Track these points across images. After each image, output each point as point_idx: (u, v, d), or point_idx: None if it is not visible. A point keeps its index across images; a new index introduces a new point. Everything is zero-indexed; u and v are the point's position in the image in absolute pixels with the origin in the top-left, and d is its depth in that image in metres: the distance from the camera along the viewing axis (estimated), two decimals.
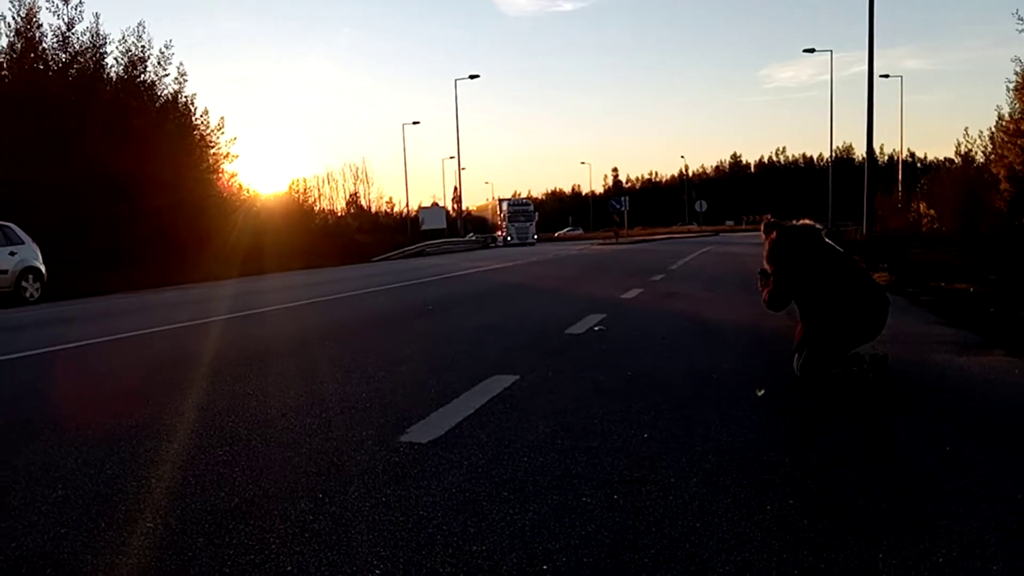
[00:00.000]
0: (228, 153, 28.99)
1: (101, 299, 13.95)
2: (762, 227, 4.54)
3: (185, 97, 27.12)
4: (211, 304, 11.29)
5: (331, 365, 5.30)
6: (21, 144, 20.24)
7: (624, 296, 9.73)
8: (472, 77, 45.32)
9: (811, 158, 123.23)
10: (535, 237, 54.33)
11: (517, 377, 4.50)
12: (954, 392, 4.01)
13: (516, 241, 50.94)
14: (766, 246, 4.41)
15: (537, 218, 57.24)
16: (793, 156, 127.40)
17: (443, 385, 4.36)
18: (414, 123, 65.75)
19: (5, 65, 22.71)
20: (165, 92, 26.56)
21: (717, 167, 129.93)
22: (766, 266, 4.43)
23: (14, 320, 10.45)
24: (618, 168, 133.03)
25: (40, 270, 14.32)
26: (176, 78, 26.77)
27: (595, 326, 6.75)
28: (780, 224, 4.46)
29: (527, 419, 3.56)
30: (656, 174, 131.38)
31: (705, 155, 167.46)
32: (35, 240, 14.63)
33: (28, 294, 13.85)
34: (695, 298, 9.52)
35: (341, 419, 3.69)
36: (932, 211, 34.32)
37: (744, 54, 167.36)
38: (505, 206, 55.61)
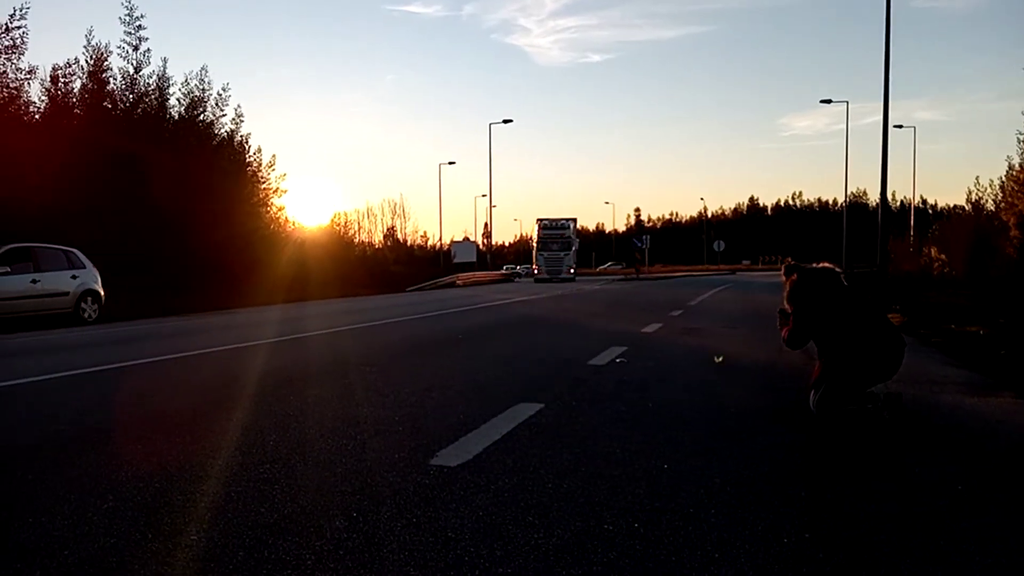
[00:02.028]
0: (277, 188, 29.54)
1: (155, 321, 14.15)
2: (783, 269, 4.49)
3: (241, 136, 27.79)
4: (257, 328, 11.40)
5: (366, 389, 5.31)
6: (89, 177, 20.77)
7: (644, 330, 9.65)
8: (505, 121, 45.78)
9: (826, 202, 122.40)
10: (573, 271, 43.24)
11: (542, 406, 4.47)
12: (966, 432, 3.90)
13: (546, 276, 41.16)
14: (786, 287, 4.36)
15: (577, 245, 45.65)
16: (808, 200, 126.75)
17: (472, 411, 4.33)
18: (450, 163, 66.69)
19: (78, 104, 23.41)
20: (222, 131, 27.25)
21: (735, 209, 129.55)
22: (786, 306, 4.38)
23: (72, 339, 10.62)
24: (640, 208, 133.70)
25: (99, 293, 14.58)
26: (233, 119, 27.50)
27: (617, 358, 6.71)
28: (800, 266, 4.41)
29: (552, 447, 3.52)
30: (676, 214, 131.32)
31: (724, 197, 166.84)
32: (96, 265, 14.92)
33: (87, 315, 14.09)
34: (714, 334, 9.41)
35: (375, 441, 3.68)
36: (943, 255, 33.73)
37: (763, 103, 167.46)
38: (537, 229, 44.27)
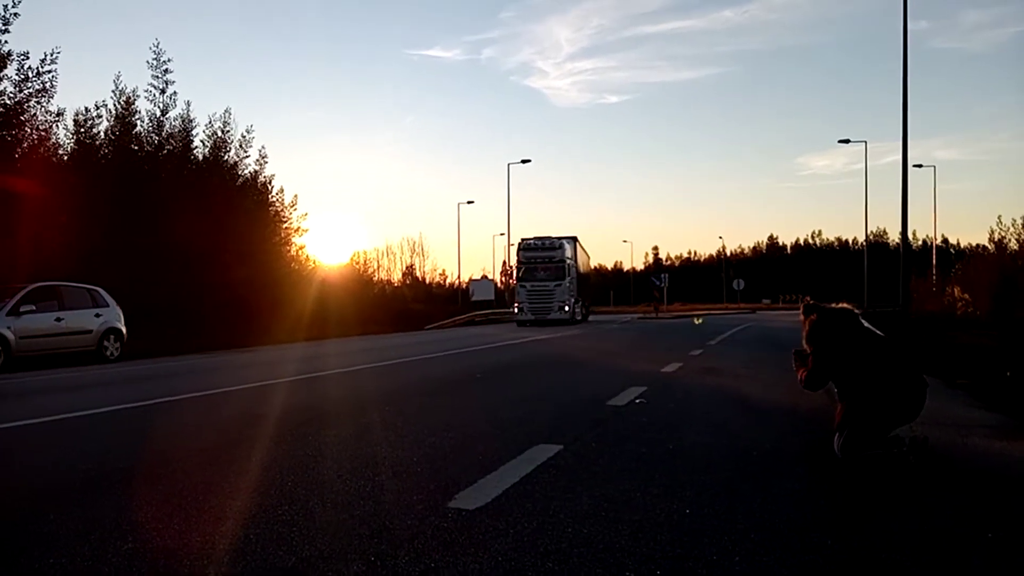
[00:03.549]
0: (299, 227, 29.91)
1: (176, 359, 14.26)
2: (801, 308, 4.46)
3: (264, 177, 28.26)
4: (276, 367, 11.45)
5: (385, 429, 5.30)
6: (116, 216, 21.17)
7: (664, 370, 9.56)
8: (524, 161, 46.29)
9: (846, 241, 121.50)
10: (573, 309, 30.89)
11: (561, 447, 4.43)
12: (995, 476, 3.81)
13: (529, 316, 29.97)
14: (805, 327, 4.33)
15: (577, 273, 32.17)
16: (828, 239, 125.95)
17: (490, 452, 4.31)
18: (468, 202, 66.90)
19: (105, 146, 23.96)
20: (246, 172, 27.72)
21: (754, 247, 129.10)
22: (805, 347, 4.34)
23: (95, 377, 10.72)
24: (658, 246, 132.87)
25: (121, 331, 14.75)
26: (257, 160, 27.98)
27: (636, 399, 6.65)
28: (819, 306, 4.37)
29: (572, 489, 3.48)
30: (695, 253, 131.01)
31: (742, 236, 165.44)
32: (119, 303, 15.13)
33: (109, 353, 14.25)
34: (734, 374, 9.32)
35: (393, 483, 3.66)
36: (967, 295, 33.30)
37: (781, 143, 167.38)
38: (517, 252, 31.71)
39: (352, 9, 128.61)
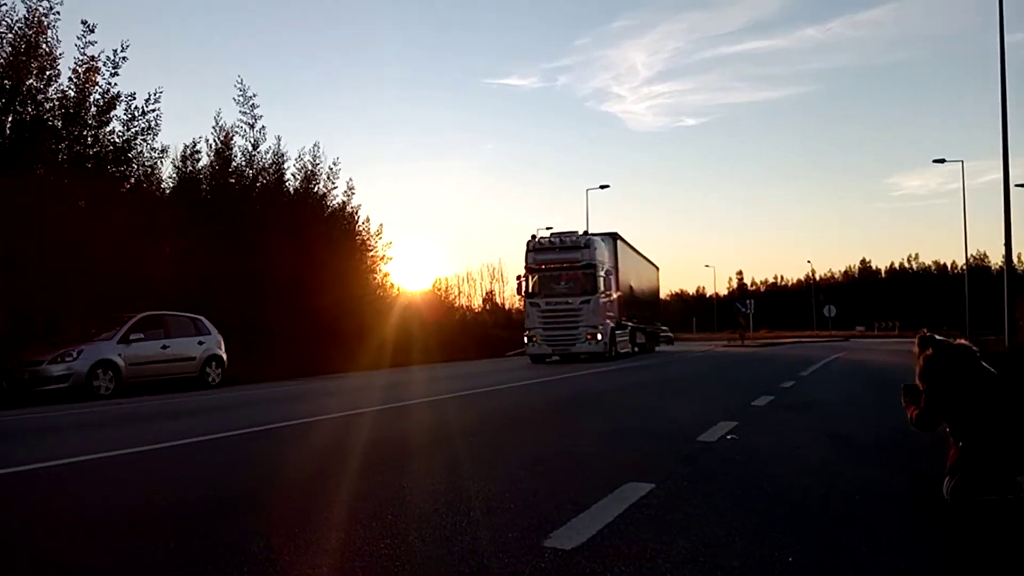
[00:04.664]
0: (384, 255, 30.73)
1: (271, 386, 14.85)
2: (917, 340, 4.27)
3: (351, 207, 29.24)
4: (365, 394, 11.78)
5: (473, 461, 5.38)
6: (214, 247, 22.30)
7: (755, 403, 9.30)
8: (602, 187, 46.10)
9: (944, 265, 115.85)
10: (624, 340, 24.16)
11: (653, 486, 4.38)
12: None
13: (545, 350, 21.94)
14: (919, 362, 4.14)
15: (615, 286, 23.52)
16: (925, 263, 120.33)
17: (581, 489, 4.31)
18: (547, 228, 67.07)
19: (205, 180, 25.35)
20: (334, 203, 28.73)
21: (846, 272, 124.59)
22: (918, 383, 4.16)
23: (196, 404, 11.27)
24: (743, 271, 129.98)
25: (222, 358, 15.50)
26: (344, 191, 29.00)
27: (727, 434, 6.50)
28: (936, 340, 4.17)
29: (666, 531, 3.45)
30: (782, 278, 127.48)
31: (832, 260, 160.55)
32: (219, 330, 15.91)
33: (211, 379, 14.98)
34: (830, 409, 8.99)
35: (487, 519, 3.71)
36: None
37: (871, 162, 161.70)
38: (526, 255, 22.63)
39: (432, 41, 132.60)
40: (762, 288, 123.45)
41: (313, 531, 3.51)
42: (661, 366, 19.90)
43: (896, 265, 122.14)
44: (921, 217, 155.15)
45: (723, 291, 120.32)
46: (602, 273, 21.89)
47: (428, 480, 4.73)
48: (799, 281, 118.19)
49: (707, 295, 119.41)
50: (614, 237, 24.84)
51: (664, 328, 56.93)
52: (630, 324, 25.32)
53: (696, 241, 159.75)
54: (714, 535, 3.38)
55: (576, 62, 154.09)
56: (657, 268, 35.23)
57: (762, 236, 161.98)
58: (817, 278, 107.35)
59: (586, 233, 22.99)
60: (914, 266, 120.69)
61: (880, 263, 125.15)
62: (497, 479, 4.67)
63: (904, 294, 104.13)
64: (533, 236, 22.91)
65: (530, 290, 22.34)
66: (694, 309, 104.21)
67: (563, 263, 21.98)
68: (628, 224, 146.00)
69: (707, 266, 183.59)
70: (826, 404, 9.48)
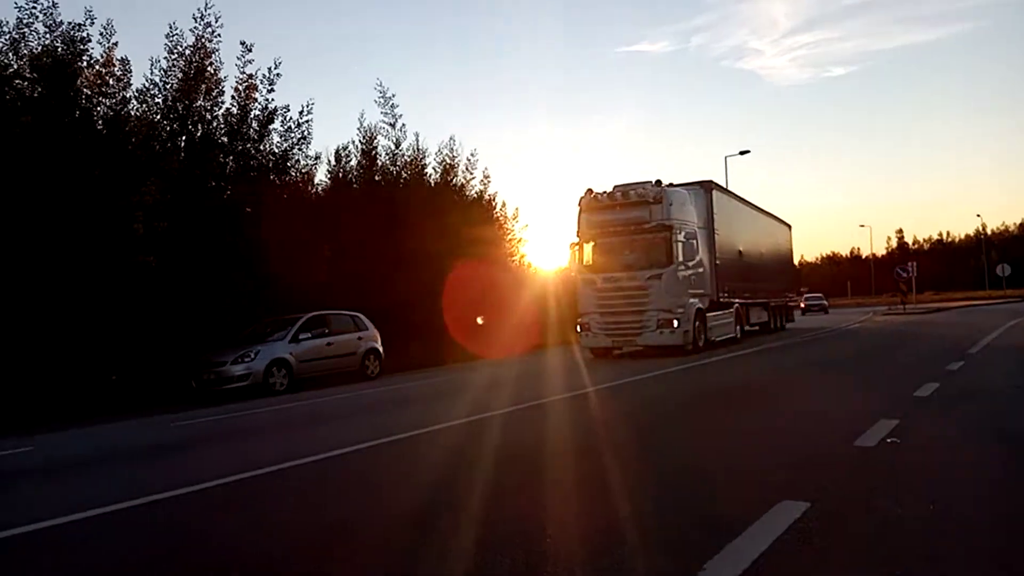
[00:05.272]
0: (520, 238, 31.32)
1: (428, 374, 15.64)
2: None
3: (489, 195, 30.04)
4: (499, 390, 12.14)
5: (623, 469, 5.52)
6: (364, 242, 23.59)
7: (917, 393, 8.52)
8: (742, 152, 44.21)
9: None
10: (727, 321, 19.30)
11: (808, 505, 4.24)
12: None
13: (604, 341, 17.38)
14: None
15: (708, 251, 18.46)
16: None
17: (730, 508, 4.28)
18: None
19: (354, 178, 26.84)
20: (472, 192, 29.60)
21: (1022, 225, 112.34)
22: None
23: (366, 399, 12.11)
24: (902, 229, 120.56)
25: (379, 351, 16.54)
26: (481, 179, 29.83)
27: (887, 437, 6.07)
28: None
29: (824, 560, 3.41)
30: (947, 235, 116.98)
31: (1005, 213, 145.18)
32: (373, 323, 16.93)
33: (370, 371, 16.05)
34: (1011, 398, 8.07)
35: (642, 547, 3.77)
36: None
37: None
38: (578, 216, 17.88)
39: (556, 16, 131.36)
40: (925, 246, 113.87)
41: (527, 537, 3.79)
42: (804, 345, 19.00)
43: None
44: None
45: (880, 251, 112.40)
46: (681, 237, 16.56)
47: (582, 501, 4.92)
48: (967, 237, 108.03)
49: (863, 256, 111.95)
50: (707, 188, 19.25)
51: (816, 296, 54.09)
52: (736, 301, 20.09)
53: (848, 200, 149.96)
54: (876, 567, 3.30)
55: (709, 21, 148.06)
56: (788, 226, 29.79)
57: (923, 190, 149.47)
58: (988, 233, 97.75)
59: (659, 183, 17.00)
60: None
61: None
62: (641, 494, 4.75)
63: None
64: (589, 191, 17.70)
65: (585, 263, 17.54)
66: (848, 272, 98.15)
67: (627, 225, 16.84)
68: (771, 186, 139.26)
69: (862, 226, 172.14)
70: (1004, 392, 8.57)
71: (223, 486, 6.01)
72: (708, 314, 17.63)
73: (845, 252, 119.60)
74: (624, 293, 16.50)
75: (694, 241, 16.98)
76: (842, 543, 3.65)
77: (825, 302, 52.73)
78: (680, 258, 16.42)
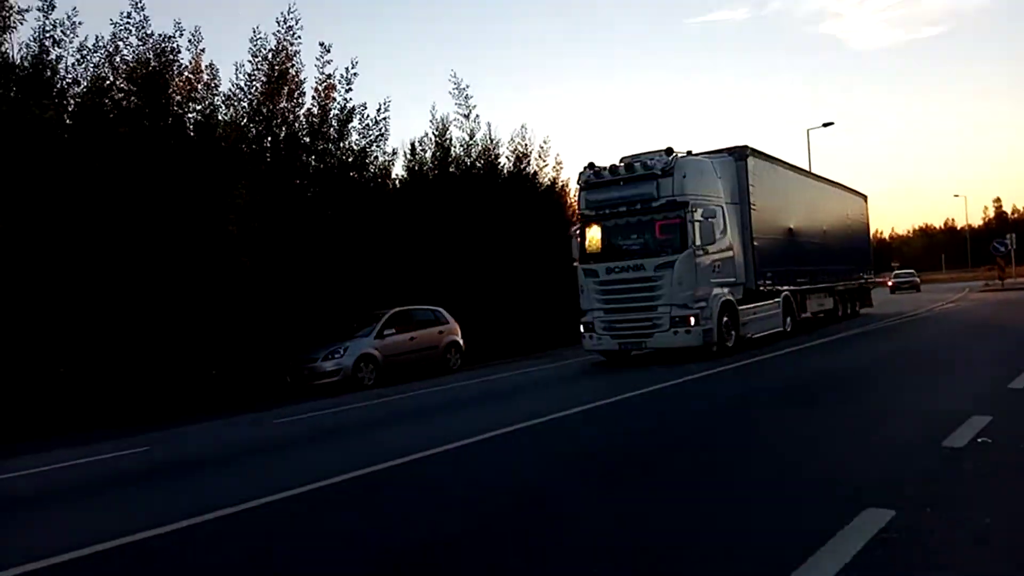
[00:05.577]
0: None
1: (506, 365, 15.93)
2: None
3: (561, 182, 30.11)
4: (571, 387, 12.15)
5: (697, 470, 5.61)
6: (440, 235, 24.04)
7: (1014, 385, 8.11)
8: (825, 125, 42.67)
9: None
10: (779, 316, 16.89)
11: (893, 513, 4.17)
12: None
13: (610, 344, 14.52)
14: None
15: (742, 232, 15.64)
16: None
17: (814, 516, 4.31)
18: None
19: (429, 172, 27.32)
20: (545, 179, 29.74)
21: None
22: None
23: (453, 394, 12.54)
24: (1000, 199, 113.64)
25: (460, 344, 17.00)
26: (553, 166, 29.95)
27: (978, 436, 5.82)
28: None
29: (910, 574, 3.45)
30: None
31: None
32: (453, 317, 17.37)
33: (452, 363, 16.54)
34: None
35: (725, 557, 3.88)
36: None
37: None
38: (578, 197, 16.24)
39: None
40: None
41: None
42: (889, 329, 18.29)
43: None
44: None
45: (977, 222, 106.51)
46: (699, 215, 13.81)
47: (662, 510, 5.06)
48: None
49: (958, 228, 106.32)
50: (740, 155, 15.89)
51: (907, 272, 51.42)
52: (785, 288, 17.11)
53: (940, 169, 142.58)
54: None
55: None
56: (863, 197, 25.91)
57: (1023, 156, 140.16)
58: None
59: (670, 151, 14.16)
60: None
61: None
62: (724, 501, 4.83)
63: None
64: (590, 164, 14.95)
65: (585, 253, 14.90)
66: (942, 245, 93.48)
67: (631, 204, 14.20)
68: (856, 160, 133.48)
69: (956, 196, 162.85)
70: None
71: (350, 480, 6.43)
72: (741, 307, 14.97)
73: (939, 224, 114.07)
74: (630, 286, 13.95)
75: (717, 219, 14.33)
76: (923, 556, 3.62)
77: (916, 279, 49.74)
78: (698, 241, 13.73)
